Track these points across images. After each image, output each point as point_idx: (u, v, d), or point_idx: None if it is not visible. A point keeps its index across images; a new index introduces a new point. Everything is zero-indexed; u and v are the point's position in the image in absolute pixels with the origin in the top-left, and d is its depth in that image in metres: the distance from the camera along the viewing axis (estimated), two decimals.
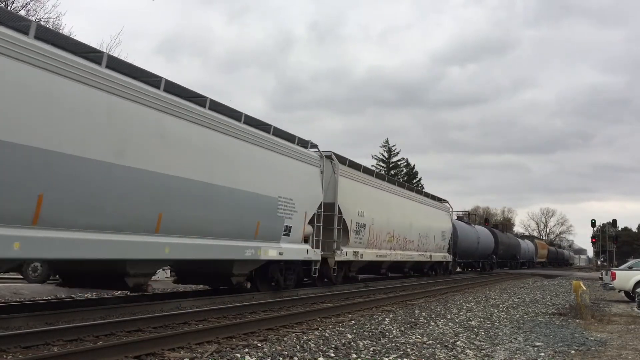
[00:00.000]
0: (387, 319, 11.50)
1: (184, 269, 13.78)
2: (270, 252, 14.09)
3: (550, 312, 14.72)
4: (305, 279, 17.60)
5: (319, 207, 16.71)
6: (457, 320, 11.91)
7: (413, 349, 8.23)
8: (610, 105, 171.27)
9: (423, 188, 44.01)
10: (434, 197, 30.95)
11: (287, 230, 14.86)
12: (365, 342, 8.55)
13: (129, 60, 13.43)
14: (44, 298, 13.34)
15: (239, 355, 7.09)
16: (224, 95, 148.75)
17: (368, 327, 10.14)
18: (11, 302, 11.98)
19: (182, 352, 7.27)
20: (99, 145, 9.01)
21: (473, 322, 11.74)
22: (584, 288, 15.16)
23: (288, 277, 15.87)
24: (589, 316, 13.41)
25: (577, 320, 12.86)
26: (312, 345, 8.08)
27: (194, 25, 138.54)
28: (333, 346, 8.10)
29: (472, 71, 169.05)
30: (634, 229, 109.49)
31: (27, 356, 6.56)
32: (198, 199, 11.28)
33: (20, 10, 23.24)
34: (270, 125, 14.40)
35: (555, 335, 10.36)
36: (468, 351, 8.28)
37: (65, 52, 8.67)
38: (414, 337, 9.30)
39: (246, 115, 13.23)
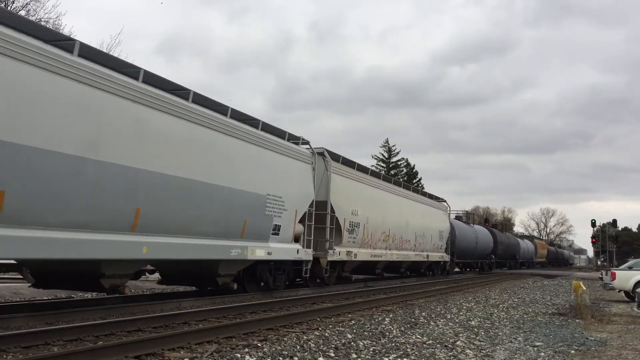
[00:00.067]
0: (387, 318, 11.51)
1: (167, 270, 13.32)
2: (258, 252, 13.66)
3: (550, 312, 14.72)
4: (297, 280, 17.24)
5: (311, 206, 16.28)
6: (457, 320, 11.91)
7: (413, 349, 8.23)
8: (610, 105, 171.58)
9: (423, 188, 43.92)
10: (431, 196, 30.60)
11: (276, 229, 14.43)
12: (365, 342, 8.55)
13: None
14: (44, 298, 13.34)
15: (239, 355, 7.09)
16: (224, 95, 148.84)
17: (368, 327, 10.15)
18: (11, 302, 11.99)
19: (182, 352, 7.27)
20: (68, 138, 8.50)
21: (473, 322, 11.74)
22: (584, 288, 15.16)
23: (277, 278, 15.41)
24: (588, 316, 13.41)
25: (577, 320, 12.86)
26: (312, 345, 8.09)
27: (194, 25, 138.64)
28: (333, 346, 8.10)
29: (472, 71, 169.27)
30: (634, 229, 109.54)
31: (27, 356, 6.56)
32: (178, 197, 10.80)
33: (20, 10, 23.26)
34: (259, 121, 13.93)
35: (555, 335, 10.36)
36: (468, 351, 8.29)
37: (32, 38, 8.21)
38: (414, 337, 9.30)
39: (233, 110, 12.83)
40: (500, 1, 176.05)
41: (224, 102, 12.62)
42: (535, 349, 8.75)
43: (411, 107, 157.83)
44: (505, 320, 12.55)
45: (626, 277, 19.26)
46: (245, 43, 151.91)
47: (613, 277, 19.57)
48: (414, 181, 65.05)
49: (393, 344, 8.53)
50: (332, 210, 17.48)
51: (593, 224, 56.25)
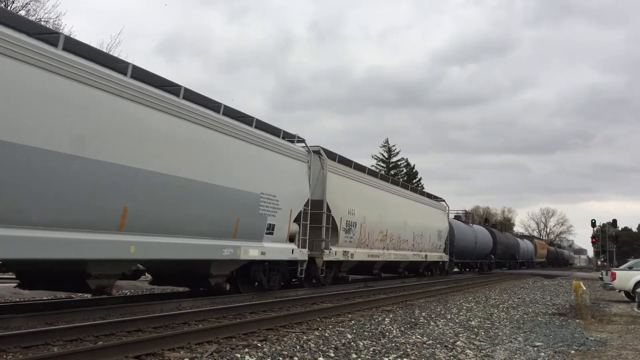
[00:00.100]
0: (387, 319, 11.51)
1: (157, 270, 13.02)
2: (252, 251, 13.39)
3: (550, 312, 14.72)
4: (293, 280, 17.00)
5: (306, 205, 16.02)
6: (457, 320, 11.91)
7: (413, 349, 8.23)
8: (610, 105, 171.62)
9: (423, 188, 43.90)
10: (429, 196, 30.37)
11: (270, 229, 14.17)
12: (365, 342, 8.55)
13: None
14: (44, 298, 13.34)
15: (239, 355, 7.09)
16: (224, 95, 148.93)
17: (368, 327, 10.14)
18: (11, 302, 11.98)
19: (182, 352, 7.26)
20: (52, 135, 8.27)
21: (473, 322, 11.74)
22: (584, 288, 15.17)
23: (272, 278, 15.14)
24: (589, 316, 13.41)
25: (577, 320, 12.87)
26: (312, 345, 8.09)
27: (194, 25, 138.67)
28: (333, 346, 8.10)
29: (472, 71, 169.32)
30: (634, 229, 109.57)
31: (27, 356, 6.56)
32: (168, 195, 10.55)
33: (20, 10, 23.26)
34: (253, 118, 13.67)
35: (555, 335, 10.36)
36: (468, 351, 8.29)
37: (16, 32, 7.99)
38: (414, 337, 9.30)
39: (225, 106, 12.56)
40: (500, 1, 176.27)
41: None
42: (535, 349, 8.75)
43: (411, 107, 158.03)
44: (505, 320, 12.55)
45: (626, 277, 19.27)
46: (245, 43, 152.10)
47: (613, 277, 19.58)
48: (414, 181, 65.07)
49: (393, 344, 8.53)
50: (328, 210, 17.25)
51: (593, 224, 56.26)
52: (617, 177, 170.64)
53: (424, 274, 29.51)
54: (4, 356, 6.64)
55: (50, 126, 8.29)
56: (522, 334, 10.31)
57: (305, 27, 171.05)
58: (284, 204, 14.66)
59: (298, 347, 7.91)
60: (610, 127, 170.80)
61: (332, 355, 7.53)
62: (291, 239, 15.44)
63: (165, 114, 10.57)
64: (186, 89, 11.34)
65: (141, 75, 10.32)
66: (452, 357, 7.82)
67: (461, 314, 13.30)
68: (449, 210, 33.38)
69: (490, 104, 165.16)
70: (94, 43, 16.28)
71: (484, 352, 8.30)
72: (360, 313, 12.54)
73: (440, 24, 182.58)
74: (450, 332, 10.10)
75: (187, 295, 14.10)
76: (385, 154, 69.42)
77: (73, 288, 10.69)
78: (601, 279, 23.12)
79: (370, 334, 9.47)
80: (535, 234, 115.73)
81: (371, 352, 7.85)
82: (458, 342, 8.99)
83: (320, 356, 7.39)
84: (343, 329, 9.79)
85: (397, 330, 10.08)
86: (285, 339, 8.55)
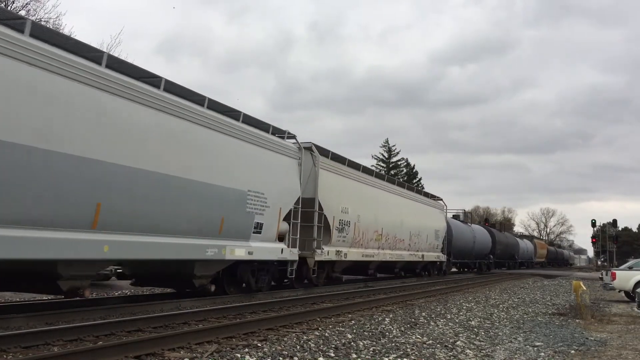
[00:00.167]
0: (387, 319, 11.51)
1: (137, 271, 12.50)
2: (238, 251, 12.87)
3: (550, 312, 14.73)
4: (284, 281, 16.59)
5: (297, 203, 15.52)
6: (457, 320, 11.91)
7: (413, 349, 8.23)
8: (610, 105, 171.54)
9: (423, 188, 43.79)
10: (427, 195, 29.99)
11: (258, 228, 13.64)
12: (365, 342, 8.55)
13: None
14: (44, 298, 13.34)
15: (239, 355, 7.09)
16: (223, 95, 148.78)
17: (368, 327, 10.15)
18: (11, 302, 11.99)
19: (182, 352, 7.27)
20: (15, 126, 7.82)
21: (473, 322, 11.74)
22: (584, 288, 15.17)
23: (260, 279, 14.59)
24: (589, 316, 13.41)
25: (577, 320, 12.87)
26: (312, 345, 8.09)
27: (194, 25, 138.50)
28: (333, 346, 8.10)
29: (472, 71, 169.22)
30: (634, 229, 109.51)
31: (27, 356, 6.56)
32: (145, 191, 10.07)
33: (20, 10, 23.26)
34: (240, 112, 13.21)
35: (555, 335, 10.36)
36: (468, 351, 8.29)
37: None
38: (414, 337, 9.30)
39: (210, 100, 12.18)
40: (500, 1, 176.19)
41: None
42: (535, 349, 8.75)
43: (411, 107, 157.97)
44: (505, 320, 12.55)
45: (626, 277, 19.27)
46: (245, 43, 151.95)
47: (613, 277, 19.58)
48: (414, 181, 65.06)
49: (393, 344, 8.53)
50: (320, 208, 16.77)
51: (593, 224, 56.26)
52: (617, 177, 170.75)
53: (421, 274, 29.06)
54: (4, 356, 6.64)
55: (9, 115, 7.79)
56: (522, 334, 10.31)
57: (305, 27, 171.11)
58: (273, 201, 14.21)
59: (298, 347, 7.91)
60: (610, 127, 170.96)
61: (332, 355, 7.53)
62: (281, 238, 15.00)
63: (143, 106, 10.11)
64: (167, 81, 10.93)
65: (118, 65, 9.93)
66: (452, 357, 7.82)
67: (461, 313, 13.31)
68: (446, 209, 32.99)
69: (490, 104, 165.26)
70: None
71: (484, 352, 8.30)
72: (360, 313, 12.54)
73: (440, 24, 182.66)
74: (450, 332, 10.11)
75: (187, 296, 14.10)
76: (385, 154, 69.45)
77: (43, 290, 10.14)
78: (601, 279, 23.14)
79: (370, 333, 9.47)
80: (536, 234, 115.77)
81: (371, 352, 7.85)
82: (458, 342, 8.99)
83: (320, 356, 7.39)
84: (343, 329, 9.79)
85: (397, 330, 10.08)
86: (286, 338, 8.55)
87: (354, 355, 7.56)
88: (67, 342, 7.55)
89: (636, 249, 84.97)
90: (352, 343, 8.44)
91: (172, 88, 11.16)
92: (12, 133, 7.81)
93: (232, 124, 12.77)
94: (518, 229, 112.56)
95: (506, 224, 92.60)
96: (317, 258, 16.58)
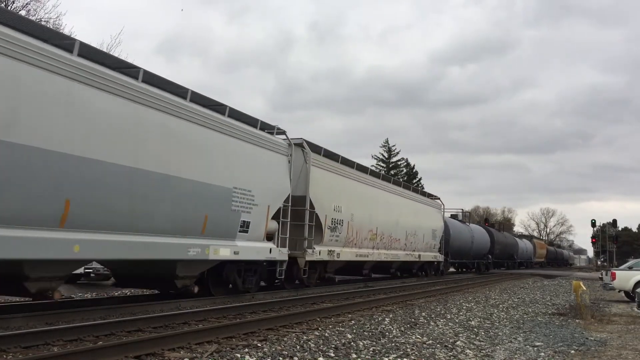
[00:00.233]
0: (387, 319, 11.51)
1: (114, 271, 11.87)
2: (223, 251, 12.34)
3: (550, 312, 14.73)
4: (275, 281, 16.16)
5: (286, 201, 14.98)
6: (457, 320, 11.92)
7: (413, 349, 8.23)
8: (610, 105, 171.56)
9: (423, 188, 43.72)
10: (424, 194, 29.59)
11: (245, 226, 13.11)
12: (365, 342, 8.56)
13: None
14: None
15: (239, 355, 7.09)
16: (223, 95, 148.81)
17: (368, 327, 10.15)
18: (11, 302, 11.98)
19: (182, 352, 7.27)
20: None
21: (473, 322, 11.74)
22: (584, 288, 15.17)
23: (247, 279, 14.04)
24: (588, 316, 13.42)
25: (577, 320, 12.87)
26: (312, 345, 8.09)
27: (194, 25, 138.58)
28: (333, 346, 8.10)
29: (472, 71, 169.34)
30: (634, 229, 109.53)
31: (27, 356, 6.56)
32: (120, 187, 9.57)
33: (20, 10, 23.26)
34: (226, 106, 12.69)
35: (555, 335, 10.36)
36: (468, 351, 8.29)
37: None
38: (414, 337, 9.30)
39: (193, 92, 11.69)
40: (500, 1, 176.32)
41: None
42: (535, 349, 8.75)
43: (411, 107, 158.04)
44: (505, 320, 12.55)
45: (626, 277, 19.28)
46: (245, 43, 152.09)
47: (613, 277, 19.59)
48: (414, 181, 65.05)
49: (393, 344, 8.53)
50: (312, 206, 16.25)
51: (593, 224, 56.25)
52: (617, 177, 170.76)
53: (418, 274, 28.69)
54: (4, 356, 6.64)
55: None
56: (522, 334, 10.31)
57: (305, 27, 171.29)
58: (261, 199, 13.68)
59: (298, 347, 7.92)
60: (610, 127, 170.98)
61: (332, 355, 7.54)
62: (269, 238, 14.52)
63: (118, 97, 9.62)
64: (146, 72, 10.47)
65: (92, 54, 9.44)
66: (452, 357, 7.82)
67: (461, 313, 13.31)
68: (444, 208, 32.57)
69: (490, 104, 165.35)
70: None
71: (483, 352, 8.30)
72: (360, 313, 12.54)
73: (440, 24, 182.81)
74: (450, 332, 10.11)
75: (187, 296, 14.09)
76: (385, 154, 69.46)
77: (10, 291, 9.59)
78: (601, 279, 23.15)
79: (370, 333, 9.48)
80: (536, 234, 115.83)
81: (371, 352, 7.85)
82: (458, 342, 9.00)
83: (320, 356, 7.39)
84: (343, 329, 9.79)
85: (397, 330, 10.08)
86: (285, 338, 8.55)
87: (354, 355, 7.56)
88: (67, 342, 7.56)
89: (636, 249, 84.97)
90: (352, 343, 8.45)
91: (151, 79, 10.69)
92: None
93: (217, 118, 12.26)
94: (518, 229, 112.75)
95: (506, 224, 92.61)
96: (308, 258, 16.07)
